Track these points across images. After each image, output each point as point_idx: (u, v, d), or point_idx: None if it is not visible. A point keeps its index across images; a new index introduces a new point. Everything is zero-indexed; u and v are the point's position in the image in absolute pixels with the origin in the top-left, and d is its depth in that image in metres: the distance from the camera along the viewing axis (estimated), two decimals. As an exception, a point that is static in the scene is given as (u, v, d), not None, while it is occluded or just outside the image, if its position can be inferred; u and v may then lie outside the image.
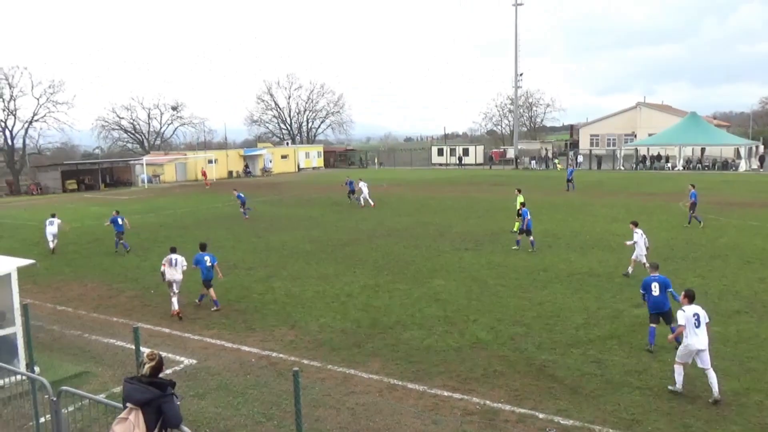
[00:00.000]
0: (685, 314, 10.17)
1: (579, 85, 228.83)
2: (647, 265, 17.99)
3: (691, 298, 10.44)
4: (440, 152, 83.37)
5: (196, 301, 16.46)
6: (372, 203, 37.37)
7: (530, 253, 22.04)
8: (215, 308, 15.93)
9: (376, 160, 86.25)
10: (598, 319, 14.39)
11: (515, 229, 24.93)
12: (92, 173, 66.39)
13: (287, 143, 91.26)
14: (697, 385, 10.49)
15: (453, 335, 13.48)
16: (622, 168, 67.20)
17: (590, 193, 41.77)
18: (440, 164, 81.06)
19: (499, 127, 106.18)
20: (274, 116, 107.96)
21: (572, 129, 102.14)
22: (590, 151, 75.49)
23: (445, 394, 10.49)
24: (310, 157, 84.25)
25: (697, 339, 10.07)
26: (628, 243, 18.73)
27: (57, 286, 19.27)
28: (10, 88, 79.42)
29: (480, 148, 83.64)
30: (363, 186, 38.15)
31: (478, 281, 18.22)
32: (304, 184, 57.45)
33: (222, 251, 23.94)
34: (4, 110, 79.94)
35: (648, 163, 68.85)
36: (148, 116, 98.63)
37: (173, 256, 16.05)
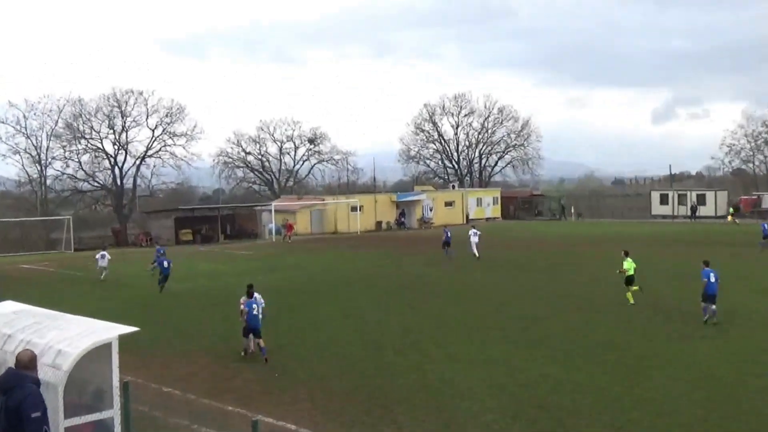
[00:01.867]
0: None
1: None
2: None
3: None
4: (664, 200, 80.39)
5: (264, 361, 19.62)
6: (477, 255, 42.66)
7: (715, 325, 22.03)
8: (264, 357, 19.76)
9: (572, 210, 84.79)
10: None
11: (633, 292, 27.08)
12: (210, 221, 70.54)
13: (453, 186, 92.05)
14: None
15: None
16: None
17: None
18: (664, 216, 78.12)
19: (751, 164, 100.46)
20: (437, 150, 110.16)
21: None
22: None
23: None
24: (483, 205, 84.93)
25: None
26: None
27: (164, 361, 20.59)
28: (123, 117, 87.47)
29: (722, 195, 79.70)
30: (472, 235, 43.61)
31: (718, 382, 17.12)
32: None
33: (364, 325, 24.54)
34: (114, 144, 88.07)
35: None
36: (280, 150, 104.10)
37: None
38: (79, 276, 41.63)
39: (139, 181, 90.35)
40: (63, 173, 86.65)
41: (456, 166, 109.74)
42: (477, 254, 43.02)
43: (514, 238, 59.21)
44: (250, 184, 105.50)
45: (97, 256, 39.74)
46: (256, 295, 20.54)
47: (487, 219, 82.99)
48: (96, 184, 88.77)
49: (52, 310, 13.26)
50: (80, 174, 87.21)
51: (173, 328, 25.23)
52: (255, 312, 20.09)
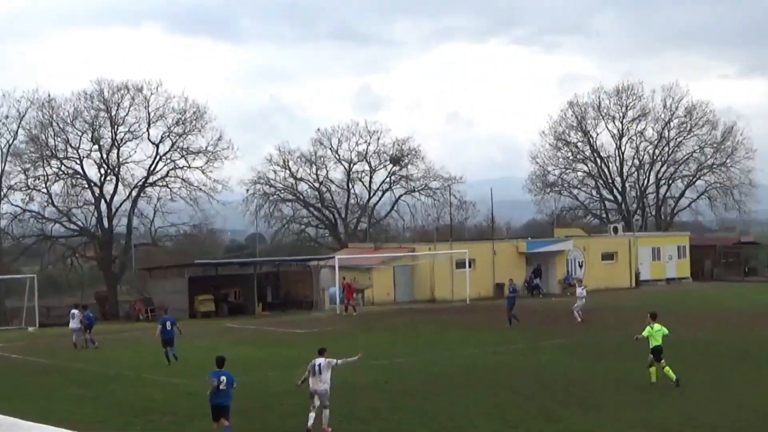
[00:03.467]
0: None
1: None
2: None
3: None
4: None
5: None
6: (578, 318, 49.99)
7: None
8: None
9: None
10: None
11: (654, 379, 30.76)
12: (243, 283, 70.89)
13: (615, 228, 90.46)
14: None
15: None
16: None
17: None
18: None
19: None
20: (590, 174, 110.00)
21: None
22: None
23: None
24: (662, 258, 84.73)
25: None
26: None
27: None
28: (112, 126, 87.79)
29: None
30: (580, 293, 50.93)
31: None
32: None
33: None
34: (100, 166, 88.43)
35: None
36: (348, 176, 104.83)
37: (318, 361, 24.08)
38: (47, 365, 41.88)
39: (136, 222, 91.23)
40: (24, 210, 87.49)
41: (619, 197, 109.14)
42: (578, 317, 50.51)
43: (712, 309, 58.29)
44: (303, 227, 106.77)
45: (71, 313, 47.41)
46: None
47: (669, 280, 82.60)
48: (73, 226, 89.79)
49: (5, 416, 12.91)
50: (50, 211, 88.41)
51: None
52: (222, 387, 23.09)
